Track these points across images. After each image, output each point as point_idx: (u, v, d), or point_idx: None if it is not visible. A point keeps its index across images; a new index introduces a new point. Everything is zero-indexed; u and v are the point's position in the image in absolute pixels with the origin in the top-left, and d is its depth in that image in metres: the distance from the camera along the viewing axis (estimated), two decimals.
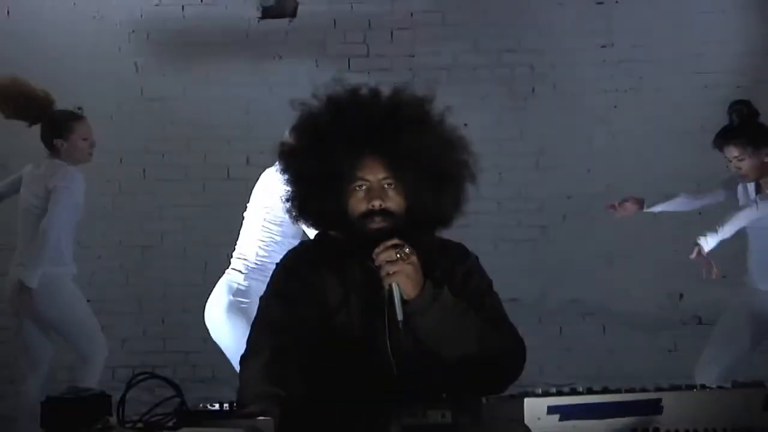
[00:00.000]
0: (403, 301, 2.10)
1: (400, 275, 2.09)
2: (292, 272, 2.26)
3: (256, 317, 2.26)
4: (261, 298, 2.29)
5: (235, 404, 1.98)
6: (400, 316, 2.10)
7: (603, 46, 5.67)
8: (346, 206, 2.19)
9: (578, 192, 5.63)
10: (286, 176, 2.26)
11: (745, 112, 4.14)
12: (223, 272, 4.04)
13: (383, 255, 2.09)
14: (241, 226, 4.15)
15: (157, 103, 5.76)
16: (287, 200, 2.27)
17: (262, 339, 2.16)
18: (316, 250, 2.30)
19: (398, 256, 2.09)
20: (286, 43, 5.77)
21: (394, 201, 2.17)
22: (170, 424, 1.97)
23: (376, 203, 2.15)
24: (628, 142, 5.57)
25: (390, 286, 2.10)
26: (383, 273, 2.10)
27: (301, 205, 2.25)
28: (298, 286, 2.21)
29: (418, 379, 2.11)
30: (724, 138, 4.12)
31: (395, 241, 2.11)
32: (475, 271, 2.30)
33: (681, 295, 5.57)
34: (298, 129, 2.26)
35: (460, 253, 2.33)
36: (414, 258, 2.11)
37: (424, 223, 2.20)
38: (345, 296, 2.19)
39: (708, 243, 3.87)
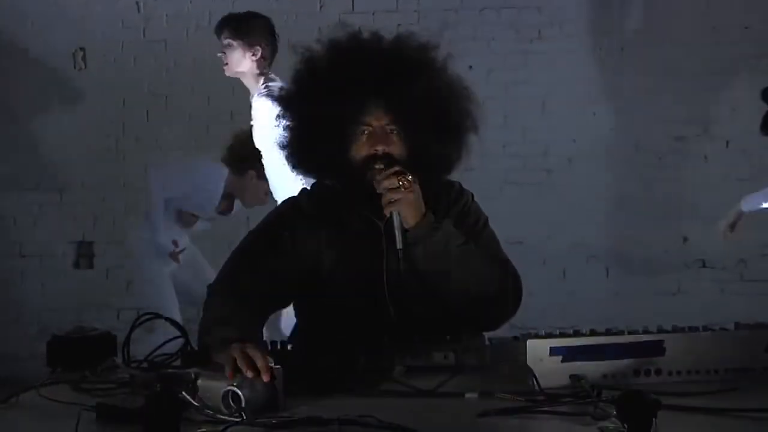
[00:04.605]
0: (404, 231, 2.09)
1: (402, 203, 2.07)
2: (286, 221, 2.24)
3: (237, 248, 2.22)
4: (250, 232, 2.27)
5: (198, 340, 1.98)
6: (399, 245, 2.08)
7: None
8: (347, 152, 2.16)
9: (583, 135, 5.60)
10: (285, 121, 2.23)
11: None
12: None
13: (386, 182, 2.07)
14: None
15: (160, 45, 5.71)
16: (284, 147, 2.24)
17: (236, 274, 2.15)
18: (314, 201, 2.27)
19: (400, 183, 2.06)
20: None
21: (396, 146, 2.14)
22: (175, 364, 1.99)
23: (380, 148, 2.13)
24: (634, 85, 5.53)
25: (391, 214, 2.08)
26: (385, 201, 2.07)
27: (301, 151, 2.22)
28: (287, 236, 2.19)
29: (415, 320, 2.12)
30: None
31: (397, 168, 2.08)
32: (470, 208, 2.29)
33: (685, 239, 5.57)
34: (300, 73, 2.21)
35: (454, 191, 2.31)
36: (417, 187, 2.08)
37: (424, 170, 2.17)
38: (342, 248, 2.17)
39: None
